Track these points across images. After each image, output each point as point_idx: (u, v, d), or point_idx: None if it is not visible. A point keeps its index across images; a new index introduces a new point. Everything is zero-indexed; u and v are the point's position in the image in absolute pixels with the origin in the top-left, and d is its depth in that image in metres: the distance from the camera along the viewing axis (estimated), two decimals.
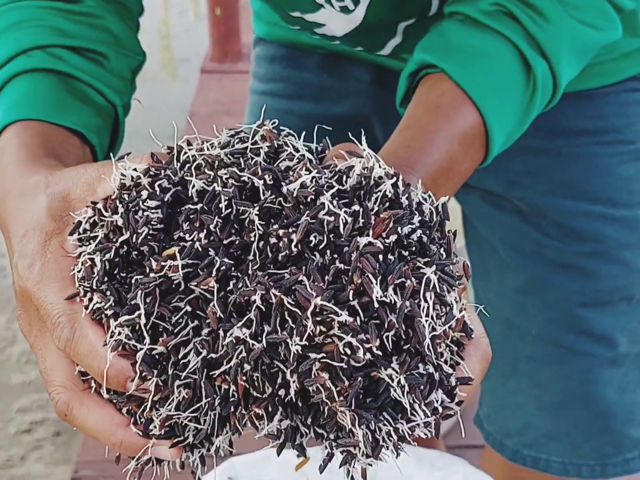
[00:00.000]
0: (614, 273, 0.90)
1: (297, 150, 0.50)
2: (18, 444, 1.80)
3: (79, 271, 0.50)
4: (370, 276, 0.43)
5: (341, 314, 0.42)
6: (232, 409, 0.47)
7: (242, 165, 0.48)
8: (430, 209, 0.49)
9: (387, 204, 0.47)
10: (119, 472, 1.54)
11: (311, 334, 0.43)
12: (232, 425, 0.48)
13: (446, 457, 0.85)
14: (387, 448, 0.45)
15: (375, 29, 0.78)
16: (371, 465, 0.46)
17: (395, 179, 0.47)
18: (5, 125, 0.62)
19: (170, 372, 0.46)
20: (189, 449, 0.49)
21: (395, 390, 0.44)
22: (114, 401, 0.49)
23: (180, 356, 0.47)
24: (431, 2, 0.75)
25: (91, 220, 0.51)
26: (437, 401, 0.46)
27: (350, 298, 0.43)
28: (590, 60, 0.70)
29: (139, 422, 0.48)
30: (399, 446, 0.45)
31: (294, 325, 0.44)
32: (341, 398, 0.43)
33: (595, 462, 0.96)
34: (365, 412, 0.44)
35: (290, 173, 0.48)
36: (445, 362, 0.47)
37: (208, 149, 0.50)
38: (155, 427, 0.47)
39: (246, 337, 0.44)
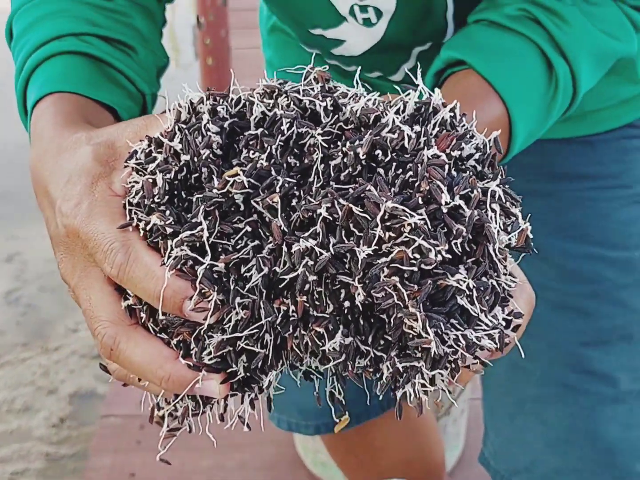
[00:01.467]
0: (612, 313, 0.92)
1: (348, 91, 0.50)
2: None
3: (135, 195, 0.49)
4: (439, 182, 0.43)
5: (413, 215, 0.42)
6: (291, 330, 0.46)
7: (301, 94, 0.48)
8: (484, 139, 0.49)
9: (445, 131, 0.47)
10: None
11: (380, 239, 0.42)
12: (290, 350, 0.47)
13: None
14: (452, 362, 0.44)
15: (391, 50, 0.79)
16: (428, 392, 0.45)
17: (451, 107, 0.48)
18: (41, 97, 0.63)
19: (232, 287, 0.45)
20: (239, 387, 0.48)
21: (462, 298, 0.43)
22: (163, 336, 0.48)
23: (241, 273, 0.46)
24: (447, 25, 0.78)
25: (147, 151, 0.50)
26: (498, 314, 0.46)
27: (420, 203, 0.43)
28: (594, 106, 0.72)
29: (190, 354, 0.47)
30: (465, 356, 0.44)
31: (361, 235, 0.43)
32: (412, 301, 0.42)
33: None
34: (436, 314, 0.43)
35: (349, 100, 0.48)
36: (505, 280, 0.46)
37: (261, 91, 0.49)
38: (208, 353, 0.46)
39: (313, 246, 0.43)
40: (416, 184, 0.43)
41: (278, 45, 1.02)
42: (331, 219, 0.44)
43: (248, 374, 0.48)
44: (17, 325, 2.30)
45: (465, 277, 0.43)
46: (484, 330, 0.45)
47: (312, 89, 0.49)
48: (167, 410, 0.52)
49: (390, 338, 0.46)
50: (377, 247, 0.43)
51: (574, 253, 0.91)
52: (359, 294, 0.44)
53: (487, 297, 0.45)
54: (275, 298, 0.46)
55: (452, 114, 0.48)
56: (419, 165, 0.44)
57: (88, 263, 0.51)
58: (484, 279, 0.45)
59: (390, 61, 0.83)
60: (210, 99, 0.49)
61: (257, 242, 0.46)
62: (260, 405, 0.50)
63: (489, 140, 0.49)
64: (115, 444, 1.73)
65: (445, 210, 0.43)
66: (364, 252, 0.43)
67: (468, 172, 0.45)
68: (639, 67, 0.87)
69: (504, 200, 0.46)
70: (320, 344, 0.46)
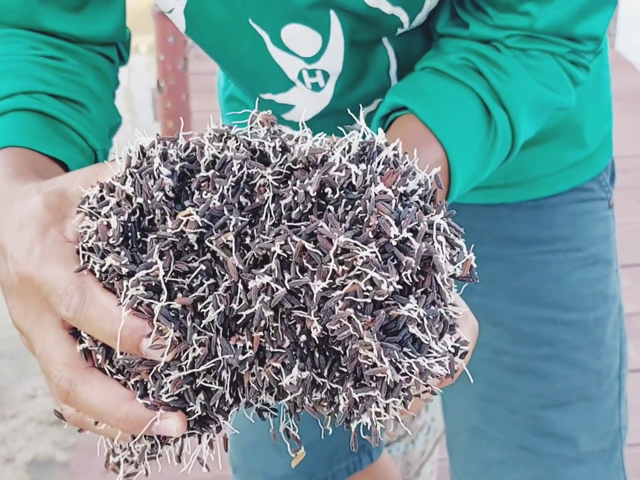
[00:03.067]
0: (569, 374, 0.93)
1: (294, 133, 0.51)
2: None
3: (88, 239, 0.49)
4: (387, 217, 0.45)
5: (365, 249, 0.44)
6: (247, 367, 0.47)
7: (249, 137, 0.50)
8: (425, 176, 0.51)
9: (388, 168, 0.49)
10: None
11: (334, 273, 0.44)
12: (247, 387, 0.48)
13: None
14: (405, 390, 0.46)
15: (340, 114, 0.80)
16: (383, 420, 0.47)
17: (394, 145, 0.50)
18: None
19: (188, 323, 0.46)
20: (196, 426, 0.49)
21: (414, 327, 0.45)
22: (119, 377, 0.49)
23: (197, 311, 0.47)
24: (390, 82, 0.80)
25: (99, 196, 0.50)
26: (448, 342, 0.48)
27: (370, 237, 0.44)
28: (542, 171, 0.74)
29: (147, 394, 0.48)
30: (418, 383, 0.46)
31: (315, 270, 0.45)
32: (367, 332, 0.44)
33: None
34: (390, 343, 0.45)
35: (296, 142, 0.50)
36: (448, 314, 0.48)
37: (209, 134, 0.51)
38: (166, 391, 0.47)
39: (270, 282, 0.45)
40: (365, 219, 0.45)
41: (234, 115, 1.03)
42: (285, 255, 0.45)
43: (205, 413, 0.49)
44: None
45: (415, 307, 0.45)
46: (435, 357, 0.46)
47: (259, 132, 0.51)
48: (122, 455, 0.52)
49: (345, 370, 0.47)
50: (331, 281, 0.44)
51: (528, 316, 0.92)
52: (315, 328, 0.45)
53: (437, 325, 0.47)
54: (231, 335, 0.47)
55: (395, 153, 0.50)
56: (367, 201, 0.46)
57: (42, 308, 0.50)
58: (432, 307, 0.46)
59: (340, 125, 0.85)
60: (160, 143, 0.51)
61: (212, 280, 0.47)
62: (217, 444, 0.51)
63: (430, 177, 0.51)
64: None
65: (394, 243, 0.45)
66: (318, 286, 0.44)
67: (413, 207, 0.47)
68: (586, 131, 0.90)
69: (448, 232, 0.48)
70: (278, 379, 0.47)
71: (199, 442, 0.50)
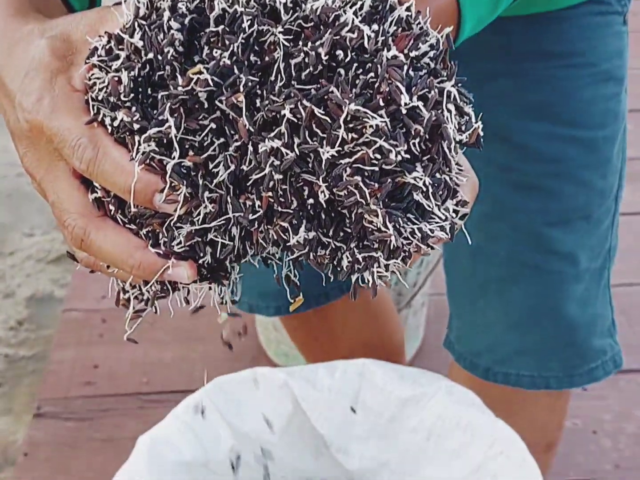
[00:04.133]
0: (574, 192, 0.95)
1: None
2: None
3: (98, 91, 0.49)
4: (398, 84, 0.45)
5: (374, 117, 0.44)
6: (257, 225, 0.49)
7: None
8: (437, 36, 0.50)
9: (401, 29, 0.49)
10: (82, 408, 1.56)
11: (343, 140, 0.45)
12: (255, 242, 0.50)
13: (428, 375, 0.89)
14: (407, 251, 0.48)
15: None
16: (385, 277, 0.49)
17: (407, 5, 0.49)
18: None
19: (200, 182, 0.47)
20: (207, 274, 0.51)
21: (418, 194, 0.47)
22: (131, 227, 0.50)
23: (208, 170, 0.48)
24: None
25: (107, 47, 0.50)
26: (450, 207, 0.49)
27: (381, 104, 0.45)
28: None
29: (159, 243, 0.49)
30: (419, 247, 0.48)
31: (324, 135, 0.45)
32: (373, 199, 0.45)
33: (563, 373, 1.01)
34: (394, 210, 0.47)
35: None
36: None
37: None
38: (178, 243, 0.49)
39: (279, 146, 0.46)
40: (376, 85, 0.45)
41: None
42: (295, 120, 0.46)
43: (215, 264, 0.51)
44: None
45: (422, 175, 0.46)
46: (437, 222, 0.48)
47: None
48: (132, 293, 0.54)
49: (350, 231, 0.49)
50: (340, 148, 0.45)
51: (537, 132, 0.93)
52: (322, 192, 0.47)
53: (441, 192, 0.48)
54: (241, 193, 0.48)
55: (408, 12, 0.49)
56: (379, 66, 0.45)
57: (54, 157, 0.51)
58: (437, 175, 0.48)
59: None
60: None
61: (222, 139, 0.48)
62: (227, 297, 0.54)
63: (442, 37, 0.51)
64: (77, 338, 1.75)
65: (404, 112, 0.45)
66: (327, 152, 0.45)
67: (425, 72, 0.47)
68: None
69: (458, 100, 0.48)
70: (285, 237, 0.49)
71: (210, 289, 0.52)
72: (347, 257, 0.49)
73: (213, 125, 0.47)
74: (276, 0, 0.47)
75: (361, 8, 0.48)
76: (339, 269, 0.51)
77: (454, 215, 0.49)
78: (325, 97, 0.45)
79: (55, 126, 0.50)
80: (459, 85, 0.49)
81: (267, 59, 0.47)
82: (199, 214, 0.48)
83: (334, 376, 0.90)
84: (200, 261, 0.50)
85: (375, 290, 0.50)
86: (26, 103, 0.51)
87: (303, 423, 0.90)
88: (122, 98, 0.48)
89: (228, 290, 0.53)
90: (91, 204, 0.51)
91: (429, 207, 0.47)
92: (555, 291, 0.98)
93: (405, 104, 0.45)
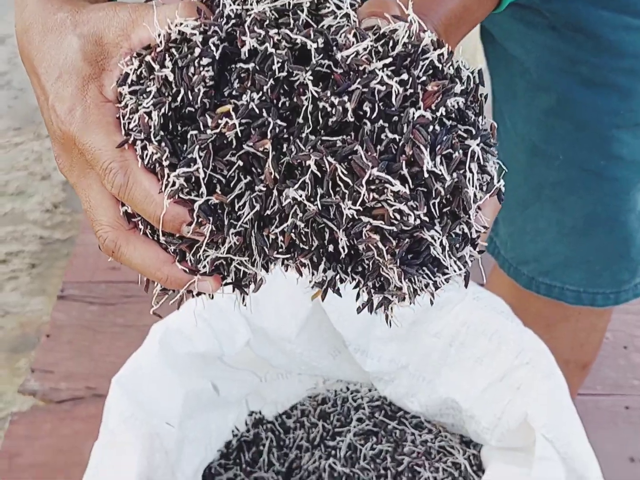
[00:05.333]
0: None
1: (339, 8, 0.50)
2: None
3: (129, 122, 0.51)
4: (422, 147, 0.45)
5: (395, 184, 0.45)
6: (280, 261, 0.51)
7: (292, 25, 0.49)
8: (468, 75, 0.50)
9: (432, 71, 0.48)
10: (104, 292, 1.54)
11: (364, 200, 0.46)
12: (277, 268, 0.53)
13: (484, 291, 0.85)
14: (422, 296, 0.50)
15: None
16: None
17: (441, 49, 0.49)
18: None
19: (226, 221, 0.50)
20: (230, 286, 0.54)
21: (435, 249, 0.48)
22: (163, 242, 0.52)
23: (234, 207, 0.50)
24: None
25: (138, 72, 0.52)
26: (466, 255, 0.49)
27: (403, 168, 0.45)
28: None
29: (186, 260, 0.52)
30: (435, 295, 0.49)
31: (346, 191, 0.46)
32: (389, 256, 0.47)
33: (611, 290, 0.96)
34: (410, 268, 0.48)
35: (339, 38, 0.49)
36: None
37: (252, 3, 0.51)
38: (203, 266, 0.51)
39: (302, 198, 0.47)
40: (401, 145, 0.46)
41: None
42: (319, 174, 0.47)
43: (237, 282, 0.53)
44: (9, 109, 2.26)
45: (439, 235, 0.47)
46: (452, 274, 0.49)
47: (301, 6, 0.50)
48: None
49: (367, 268, 0.50)
50: (360, 207, 0.46)
51: (613, 23, 0.84)
52: (341, 239, 0.48)
53: (458, 245, 0.49)
54: (265, 227, 0.50)
55: (440, 52, 0.49)
56: (405, 125, 0.46)
57: (86, 166, 0.52)
58: (457, 229, 0.48)
59: None
60: (202, 25, 0.50)
61: (249, 177, 0.49)
62: None
63: (474, 74, 0.51)
64: None
65: (426, 175, 0.45)
66: (348, 207, 0.46)
67: (450, 123, 0.48)
68: None
69: (482, 160, 0.48)
70: (303, 274, 0.51)
71: (233, 291, 0.54)
72: (363, 291, 0.51)
73: (240, 163, 0.49)
74: (307, 43, 0.48)
75: (393, 47, 0.48)
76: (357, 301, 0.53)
77: (469, 264, 0.50)
78: (350, 157, 0.46)
79: (87, 142, 0.51)
80: (487, 138, 0.50)
81: (295, 100, 0.48)
82: (224, 243, 0.50)
83: None
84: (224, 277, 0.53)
85: (389, 321, 0.52)
86: (59, 110, 0.52)
87: (322, 322, 0.87)
88: (152, 134, 0.50)
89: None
90: (122, 216, 0.52)
91: (444, 261, 0.48)
92: (615, 200, 0.91)
93: (428, 170, 0.45)
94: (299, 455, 0.90)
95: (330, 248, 0.50)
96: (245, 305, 0.54)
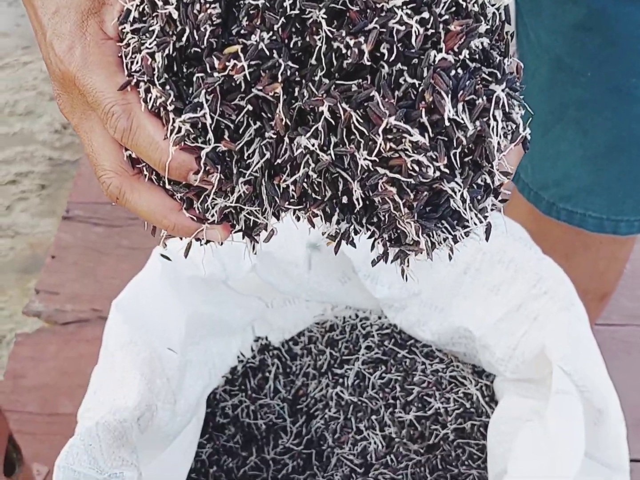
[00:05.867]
0: None
1: None
2: (3, 194, 1.78)
3: (131, 62, 0.48)
4: (443, 94, 0.42)
5: (413, 134, 0.42)
6: (291, 210, 0.49)
7: None
8: (493, 12, 0.47)
9: (454, 8, 0.45)
10: (109, 213, 1.51)
11: (381, 150, 0.43)
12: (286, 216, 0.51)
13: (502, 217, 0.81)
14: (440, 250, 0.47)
15: None
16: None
17: None
18: None
19: (234, 169, 0.47)
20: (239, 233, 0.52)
21: (455, 202, 0.45)
22: (169, 189, 0.50)
23: (243, 155, 0.47)
24: None
25: (140, 9, 0.49)
26: (488, 206, 0.47)
27: (423, 116, 0.42)
28: None
29: (193, 208, 0.49)
30: (454, 249, 0.47)
31: (361, 140, 0.44)
32: (406, 210, 0.44)
33: (635, 217, 0.92)
34: (428, 222, 0.45)
35: None
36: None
37: None
38: (212, 215, 0.49)
39: (315, 147, 0.45)
40: (420, 90, 0.42)
41: None
42: (332, 121, 0.44)
43: (247, 230, 0.51)
44: (17, 27, 2.20)
45: (460, 186, 0.44)
46: (473, 227, 0.46)
47: None
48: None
49: (382, 220, 0.48)
50: (376, 158, 0.44)
51: None
52: (356, 190, 0.45)
53: (479, 197, 0.46)
54: (275, 175, 0.47)
55: None
56: (425, 69, 0.43)
57: (87, 108, 0.50)
58: (479, 180, 0.45)
59: None
60: None
61: (258, 123, 0.47)
62: None
63: (500, 10, 0.47)
64: None
65: (447, 123, 0.43)
66: (363, 157, 0.44)
67: (473, 65, 0.44)
68: None
69: (506, 107, 0.45)
70: (317, 224, 0.49)
71: (243, 237, 0.52)
72: (379, 244, 0.48)
73: (249, 107, 0.46)
74: None
75: None
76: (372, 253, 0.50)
77: (489, 216, 0.47)
78: (366, 104, 0.43)
79: (87, 84, 0.49)
80: (513, 82, 0.46)
81: (308, 40, 0.45)
82: (233, 192, 0.48)
83: None
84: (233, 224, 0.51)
85: (403, 273, 0.50)
86: (58, 48, 0.50)
87: (331, 247, 0.83)
88: (156, 77, 0.47)
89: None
90: (126, 161, 0.50)
91: (465, 214, 0.45)
92: None
93: (449, 118, 0.42)
94: (305, 382, 0.88)
95: (344, 199, 0.47)
96: (255, 254, 0.52)
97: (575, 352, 0.68)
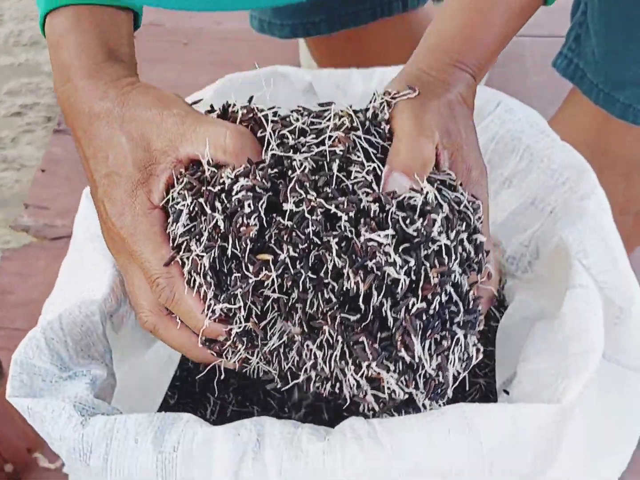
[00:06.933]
0: None
1: (362, 166, 0.53)
2: (8, 126, 1.71)
3: (180, 250, 0.55)
4: (413, 337, 0.51)
5: (391, 378, 0.53)
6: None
7: (329, 193, 0.52)
8: (469, 248, 0.54)
9: (432, 270, 0.52)
10: None
11: (359, 384, 0.54)
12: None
13: (485, 90, 0.72)
14: None
15: None
16: None
17: (443, 242, 0.52)
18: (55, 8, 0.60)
19: (258, 343, 0.56)
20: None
21: (418, 402, 0.55)
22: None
23: (267, 335, 0.56)
24: None
25: (192, 214, 0.55)
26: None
27: (400, 353, 0.52)
28: None
29: (215, 346, 0.57)
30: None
31: (350, 360, 0.53)
32: (381, 404, 0.55)
33: None
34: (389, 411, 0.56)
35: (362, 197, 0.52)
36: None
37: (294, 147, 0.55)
38: (231, 359, 0.57)
39: (319, 359, 0.55)
40: (394, 333, 0.51)
41: None
42: (331, 341, 0.53)
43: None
44: None
45: (423, 395, 0.54)
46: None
47: (334, 157, 0.54)
48: None
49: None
50: (361, 377, 0.54)
51: None
52: (344, 398, 0.56)
53: (437, 400, 0.55)
54: (285, 359, 0.57)
55: (447, 242, 0.52)
56: (402, 310, 0.51)
57: (132, 258, 0.56)
58: (438, 391, 0.55)
59: None
60: (251, 179, 0.53)
61: (279, 312, 0.55)
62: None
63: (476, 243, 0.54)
64: None
65: (417, 360, 0.52)
66: (351, 379, 0.54)
67: (443, 309, 0.52)
68: None
69: (463, 347, 0.53)
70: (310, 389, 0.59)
71: None
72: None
73: (275, 296, 0.54)
74: (338, 212, 0.52)
75: (408, 226, 0.51)
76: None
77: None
78: (354, 347, 0.52)
79: (136, 250, 0.56)
80: (477, 325, 0.54)
81: (320, 255, 0.53)
82: (253, 355, 0.56)
83: (370, 82, 0.75)
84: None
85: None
86: (110, 211, 0.56)
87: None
88: (202, 274, 0.54)
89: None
90: (160, 304, 0.57)
91: (421, 407, 0.56)
92: None
93: (419, 358, 0.52)
94: None
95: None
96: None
97: (595, 244, 0.61)
